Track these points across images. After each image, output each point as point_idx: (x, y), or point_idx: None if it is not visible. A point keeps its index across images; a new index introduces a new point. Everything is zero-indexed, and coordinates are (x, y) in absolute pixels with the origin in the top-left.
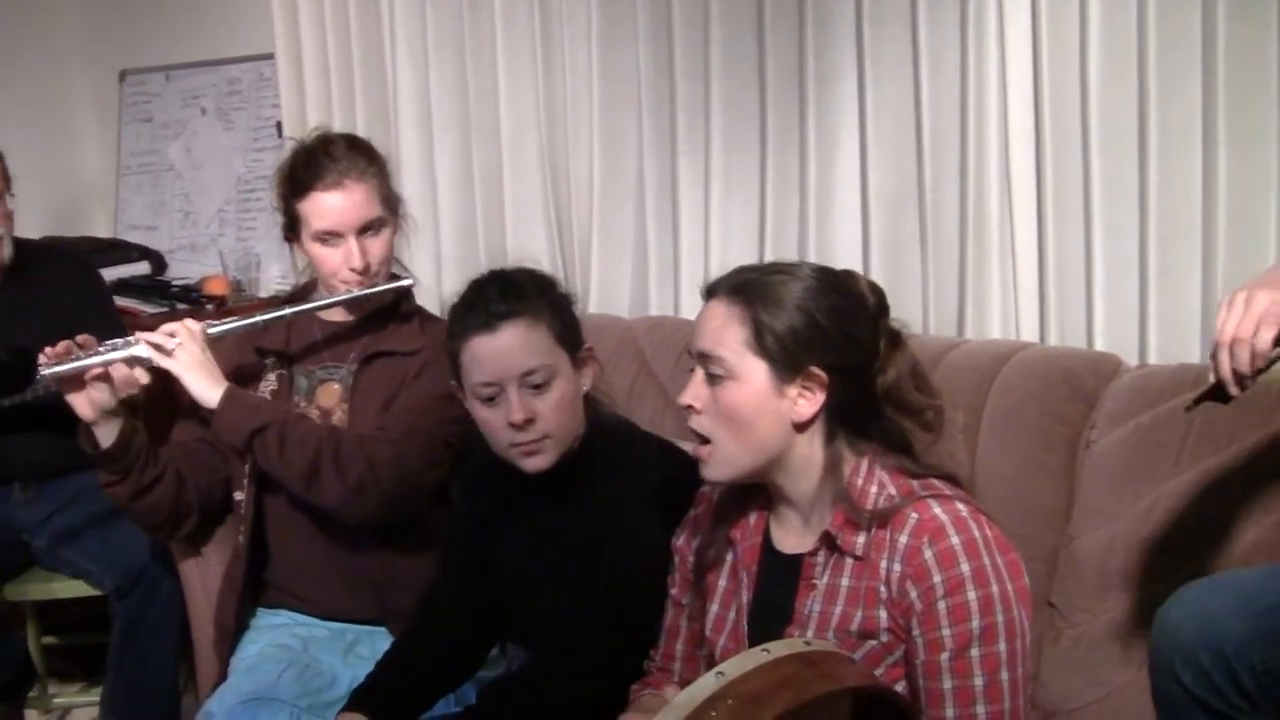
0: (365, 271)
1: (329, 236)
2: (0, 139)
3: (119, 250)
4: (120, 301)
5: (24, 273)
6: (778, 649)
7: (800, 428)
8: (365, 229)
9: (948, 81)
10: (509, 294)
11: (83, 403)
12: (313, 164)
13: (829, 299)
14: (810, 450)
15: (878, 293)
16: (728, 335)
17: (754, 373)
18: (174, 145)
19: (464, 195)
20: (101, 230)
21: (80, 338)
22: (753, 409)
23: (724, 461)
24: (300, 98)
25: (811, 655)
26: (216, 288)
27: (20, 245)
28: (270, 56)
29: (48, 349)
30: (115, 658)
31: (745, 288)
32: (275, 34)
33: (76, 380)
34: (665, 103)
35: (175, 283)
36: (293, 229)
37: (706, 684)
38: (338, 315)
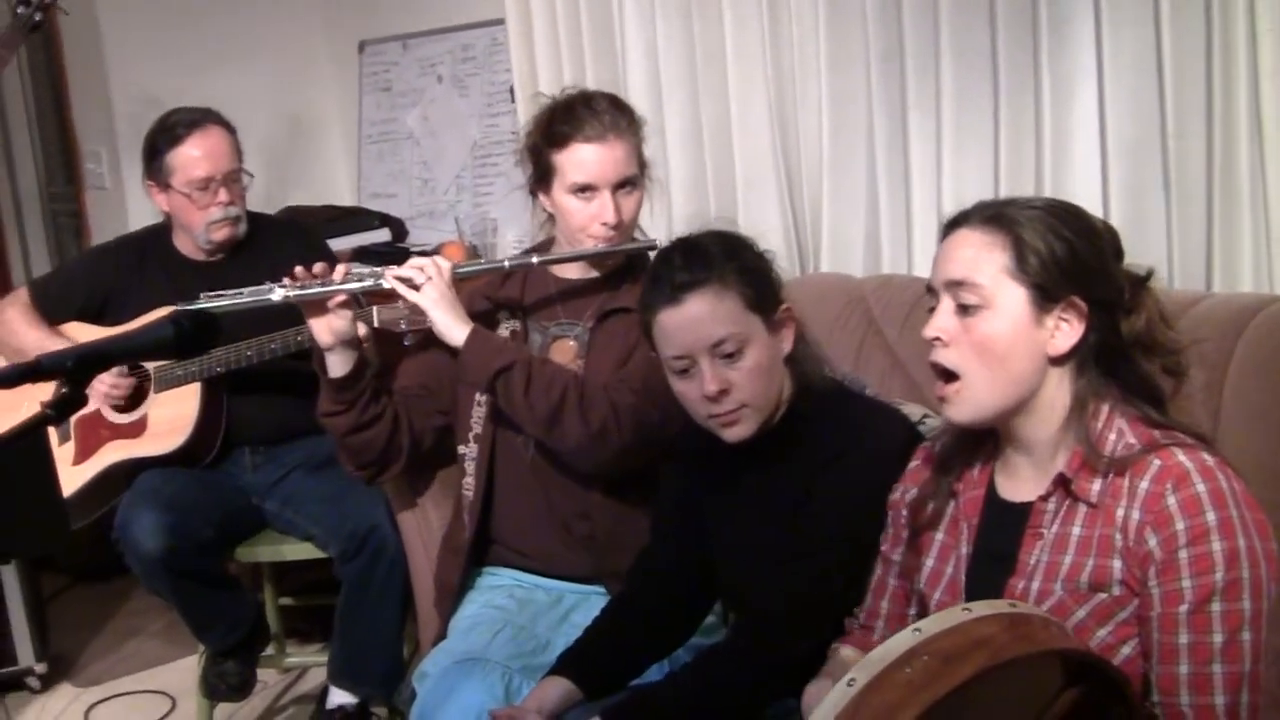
0: (617, 228)
1: (585, 189)
2: (246, 112)
3: (359, 218)
4: (361, 268)
5: (254, 246)
6: (980, 608)
7: (1055, 362)
8: (621, 185)
9: (1190, 18)
10: (693, 263)
11: (322, 328)
12: (574, 116)
13: (1079, 229)
14: (1057, 390)
15: (1112, 232)
16: (985, 261)
17: (1012, 300)
18: (412, 113)
19: (694, 155)
20: (344, 199)
21: (319, 266)
22: (1009, 339)
23: (972, 399)
24: (531, 62)
25: (1014, 617)
26: (454, 253)
27: (252, 219)
28: (501, 22)
29: (298, 269)
30: (341, 620)
31: (1000, 216)
32: None
33: (319, 305)
34: (894, 55)
35: (414, 249)
36: (542, 181)
37: (903, 639)
38: (575, 272)
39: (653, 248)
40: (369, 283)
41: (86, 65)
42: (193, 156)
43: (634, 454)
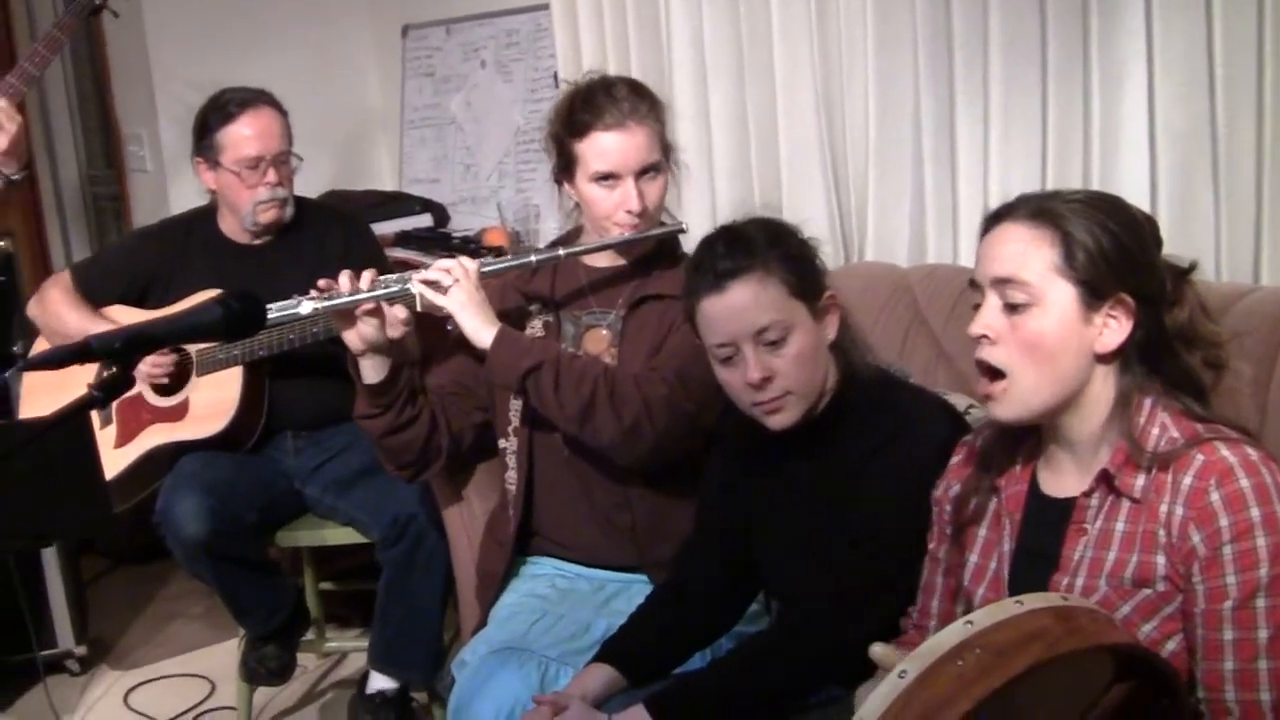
0: (642, 215)
1: (607, 178)
2: (289, 96)
3: (401, 203)
4: (402, 253)
5: (299, 230)
6: (1032, 600)
7: (1102, 360)
8: (644, 172)
9: (1243, 8)
10: (736, 250)
11: (353, 336)
12: (593, 104)
13: (1123, 221)
14: (1103, 386)
15: (1152, 222)
16: (1032, 258)
17: (1061, 298)
18: (455, 98)
19: (739, 141)
20: (386, 183)
21: (347, 273)
22: (1058, 338)
23: (1019, 398)
24: (576, 47)
25: (1067, 610)
26: (496, 239)
27: (299, 203)
28: (546, 6)
29: (320, 282)
30: (382, 605)
31: (1046, 210)
32: None
33: (347, 315)
34: (942, 40)
35: (456, 235)
36: (565, 170)
37: (954, 632)
38: (604, 261)
39: (681, 231)
40: (396, 289)
41: (129, 48)
42: (244, 135)
43: (669, 446)
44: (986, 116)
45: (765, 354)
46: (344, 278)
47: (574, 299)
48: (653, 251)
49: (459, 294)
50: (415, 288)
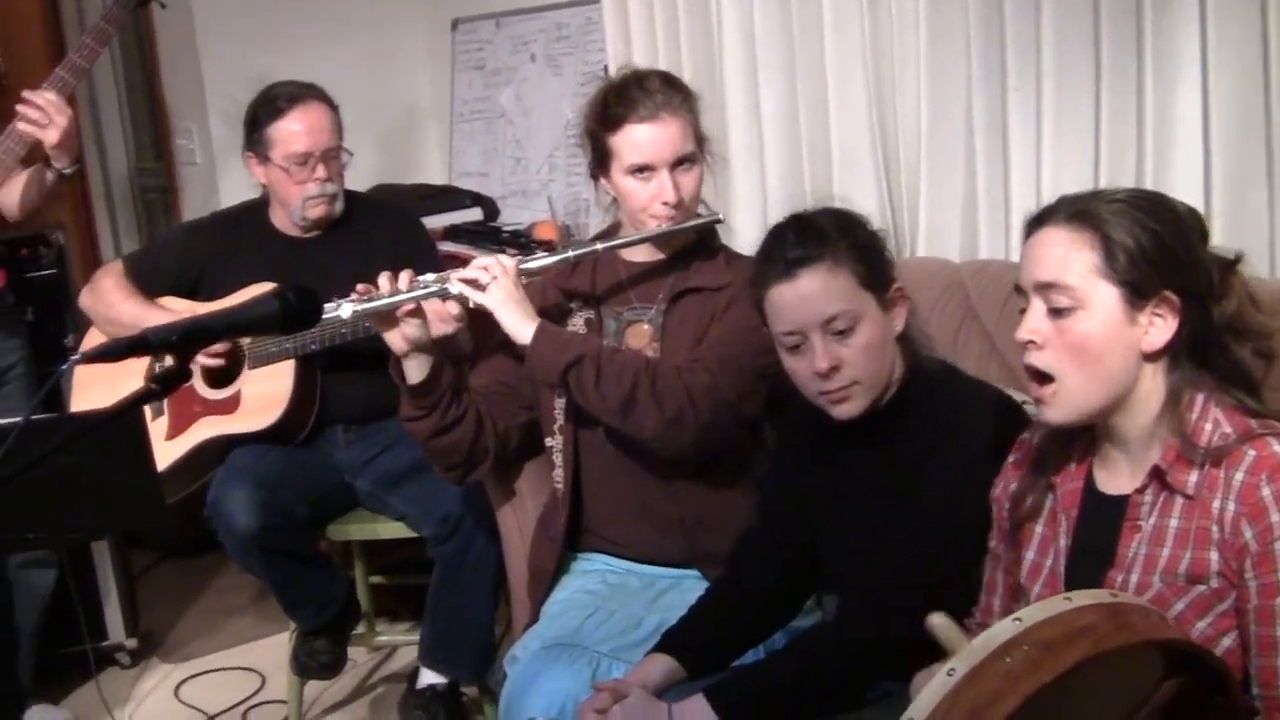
0: (678, 206)
1: (642, 170)
2: (338, 89)
3: (451, 196)
4: (452, 247)
5: (350, 225)
6: (1080, 597)
7: (1150, 358)
8: (678, 163)
9: None
10: (807, 238)
11: (395, 337)
12: (626, 97)
13: (1165, 219)
14: (1153, 384)
15: (1196, 216)
16: (1074, 261)
17: (1105, 300)
18: (505, 92)
19: (789, 135)
20: (436, 177)
21: (386, 275)
22: (1103, 339)
23: (1069, 401)
24: (626, 41)
25: (1116, 606)
26: (546, 233)
27: (350, 198)
28: (596, 0)
29: (360, 286)
30: (433, 601)
31: (1085, 212)
32: None
33: (389, 316)
34: (995, 35)
35: (506, 228)
36: (601, 165)
37: (1004, 629)
38: (644, 255)
39: (717, 221)
40: (435, 289)
41: (179, 41)
42: (293, 131)
43: (712, 436)
44: (1039, 113)
45: (833, 343)
46: (383, 279)
47: (615, 295)
48: (691, 244)
49: (498, 291)
50: (454, 286)
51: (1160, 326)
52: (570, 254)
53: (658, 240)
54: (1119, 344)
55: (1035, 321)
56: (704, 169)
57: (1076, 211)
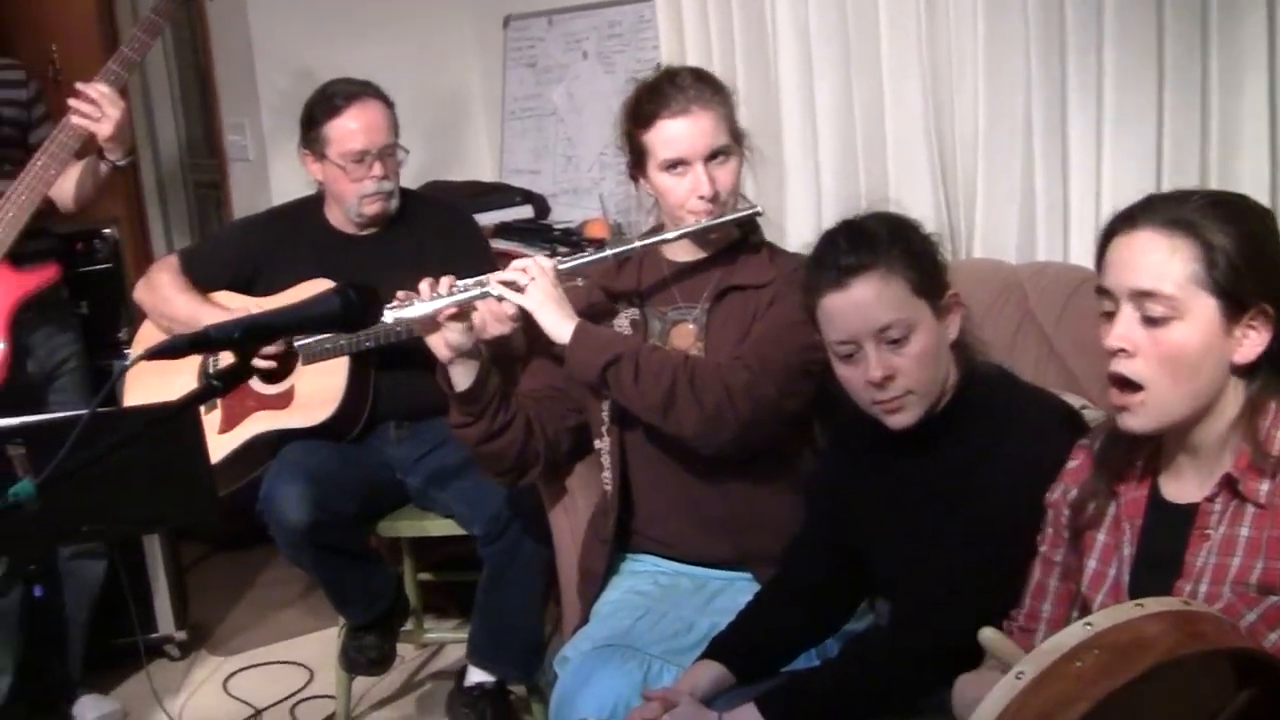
0: (714, 200)
1: (677, 165)
2: (390, 86)
3: (502, 194)
4: (502, 245)
5: (405, 222)
6: (1153, 604)
7: (1239, 370)
8: (713, 156)
9: None
10: (859, 246)
11: (438, 343)
12: (658, 94)
13: (1256, 224)
14: (1233, 393)
15: (1273, 217)
16: (1174, 270)
17: (1203, 310)
18: (556, 89)
19: (845, 134)
20: (486, 174)
21: (427, 281)
22: (1200, 352)
23: (1155, 411)
24: (680, 39)
25: (1189, 614)
26: (597, 231)
27: (405, 195)
28: None
29: (399, 294)
30: (482, 599)
31: (1182, 219)
32: None
33: (431, 322)
34: (1055, 34)
35: (557, 226)
36: (638, 165)
37: (1074, 633)
38: (687, 253)
39: (757, 214)
40: (475, 292)
41: (232, 36)
42: (349, 129)
43: (753, 433)
44: (1099, 111)
45: (887, 352)
46: (424, 285)
47: (659, 294)
48: (736, 241)
49: (536, 292)
50: (494, 289)
51: (1254, 339)
52: (608, 253)
53: (699, 237)
54: (1212, 356)
55: (1127, 329)
56: (741, 163)
57: (1173, 217)
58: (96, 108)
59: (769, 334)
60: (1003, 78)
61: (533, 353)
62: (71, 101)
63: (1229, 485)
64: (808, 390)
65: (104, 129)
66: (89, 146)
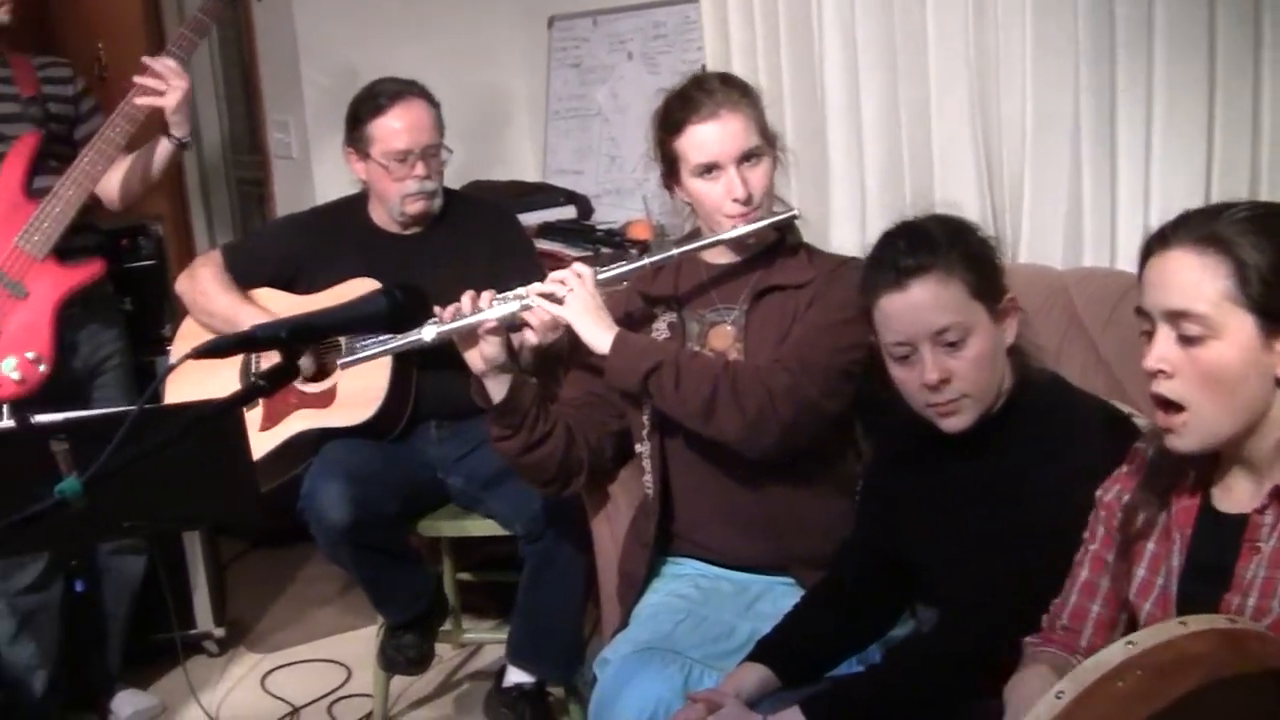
0: (748, 202)
1: (709, 169)
2: (434, 85)
3: (545, 194)
4: (546, 245)
5: (448, 222)
6: (1196, 623)
7: None
8: (745, 159)
9: None
10: (918, 248)
11: (475, 357)
12: (686, 101)
13: None
14: None
15: None
16: (1206, 288)
17: (1240, 327)
18: (601, 90)
19: (890, 138)
20: (530, 174)
21: (469, 295)
22: (1239, 369)
23: (1200, 431)
24: (725, 41)
25: (1234, 633)
26: (640, 232)
27: (449, 195)
28: None
29: (440, 310)
30: (522, 600)
31: (1214, 235)
32: None
33: (471, 335)
34: (1104, 37)
35: (600, 227)
36: (671, 172)
37: (1115, 652)
38: (724, 256)
39: (794, 217)
40: (515, 305)
41: (276, 34)
42: (393, 128)
43: (796, 435)
44: (1149, 118)
45: (943, 355)
46: (466, 299)
47: (697, 297)
48: (774, 242)
49: (575, 303)
50: (533, 300)
51: None
52: (647, 260)
53: (734, 241)
54: (1254, 372)
55: (1164, 349)
56: (774, 164)
57: (1205, 234)
58: (162, 80)
59: (808, 336)
60: (1050, 80)
61: (572, 360)
62: (137, 79)
63: (1279, 497)
64: (849, 391)
65: (171, 100)
66: (136, 142)
